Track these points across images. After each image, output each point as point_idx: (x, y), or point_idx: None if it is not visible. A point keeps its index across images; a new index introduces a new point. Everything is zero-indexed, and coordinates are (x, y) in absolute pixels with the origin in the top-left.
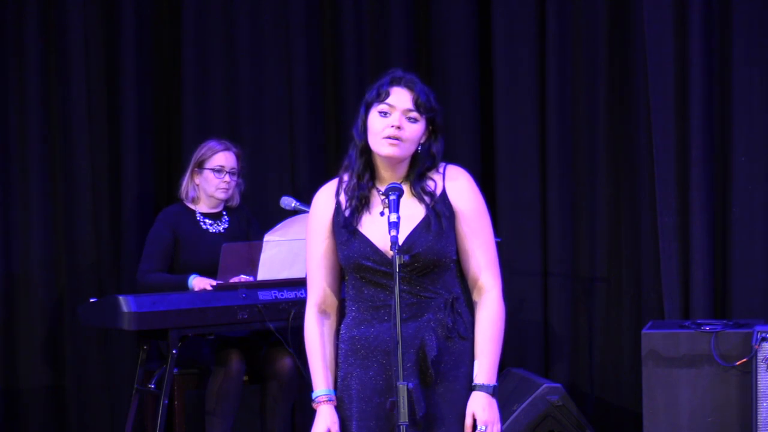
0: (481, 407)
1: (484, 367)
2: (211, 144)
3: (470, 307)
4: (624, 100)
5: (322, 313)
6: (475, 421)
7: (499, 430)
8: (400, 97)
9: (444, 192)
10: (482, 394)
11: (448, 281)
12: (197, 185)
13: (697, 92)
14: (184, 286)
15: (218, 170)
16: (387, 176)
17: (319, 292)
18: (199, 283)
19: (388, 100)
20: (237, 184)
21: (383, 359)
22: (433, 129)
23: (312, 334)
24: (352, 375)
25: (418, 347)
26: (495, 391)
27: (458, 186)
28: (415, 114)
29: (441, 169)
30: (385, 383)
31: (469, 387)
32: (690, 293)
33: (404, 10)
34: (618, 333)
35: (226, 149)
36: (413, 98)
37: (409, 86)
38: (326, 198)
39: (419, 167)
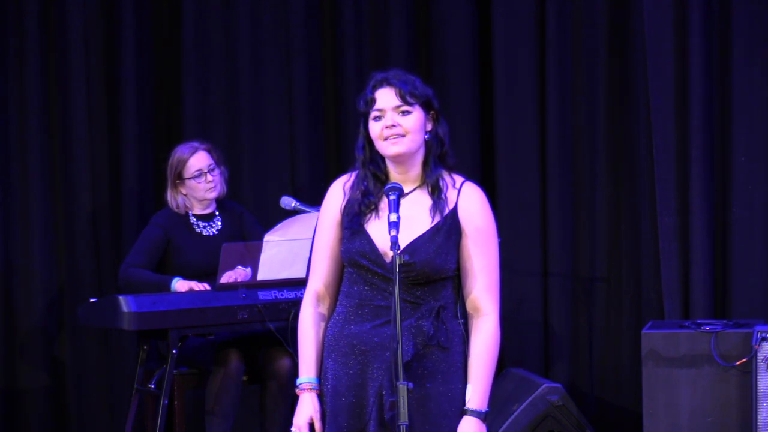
0: None
1: (478, 392)
2: (181, 151)
3: (457, 319)
4: (624, 100)
5: (319, 301)
6: None
7: None
8: (386, 97)
9: (456, 208)
10: (474, 419)
11: (440, 292)
12: (185, 195)
13: (697, 92)
14: (165, 288)
15: (198, 175)
16: (400, 179)
17: (319, 280)
18: (182, 286)
19: (376, 105)
20: (220, 173)
21: (361, 358)
22: (434, 114)
23: (305, 321)
24: (330, 370)
25: (394, 350)
26: (486, 418)
27: (471, 205)
28: (405, 107)
29: (458, 185)
30: (360, 382)
31: (446, 396)
32: (690, 293)
33: (404, 9)
34: (618, 333)
35: (195, 151)
36: (397, 92)
37: (390, 83)
38: (339, 190)
39: (432, 154)
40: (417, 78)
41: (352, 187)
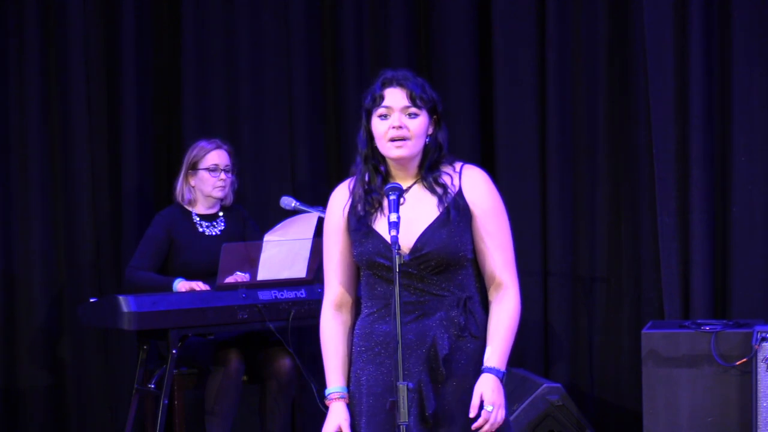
0: (489, 388)
1: (496, 352)
2: (202, 144)
3: (483, 307)
4: (624, 100)
5: (338, 310)
6: (482, 402)
7: (504, 415)
8: (395, 97)
9: (460, 191)
10: (492, 377)
11: (463, 280)
12: (193, 187)
13: (697, 92)
14: (168, 290)
15: (213, 169)
16: (400, 176)
17: (334, 290)
18: (183, 287)
19: (384, 103)
20: (231, 183)
21: (396, 356)
22: (437, 118)
23: (327, 332)
24: (365, 371)
25: (429, 345)
26: (504, 378)
27: (475, 185)
28: (413, 109)
29: (458, 169)
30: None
31: None
32: (690, 293)
33: (404, 9)
34: (618, 333)
35: (218, 147)
36: (407, 94)
37: (401, 84)
38: (341, 196)
39: (429, 158)
40: (425, 81)
41: (354, 186)
